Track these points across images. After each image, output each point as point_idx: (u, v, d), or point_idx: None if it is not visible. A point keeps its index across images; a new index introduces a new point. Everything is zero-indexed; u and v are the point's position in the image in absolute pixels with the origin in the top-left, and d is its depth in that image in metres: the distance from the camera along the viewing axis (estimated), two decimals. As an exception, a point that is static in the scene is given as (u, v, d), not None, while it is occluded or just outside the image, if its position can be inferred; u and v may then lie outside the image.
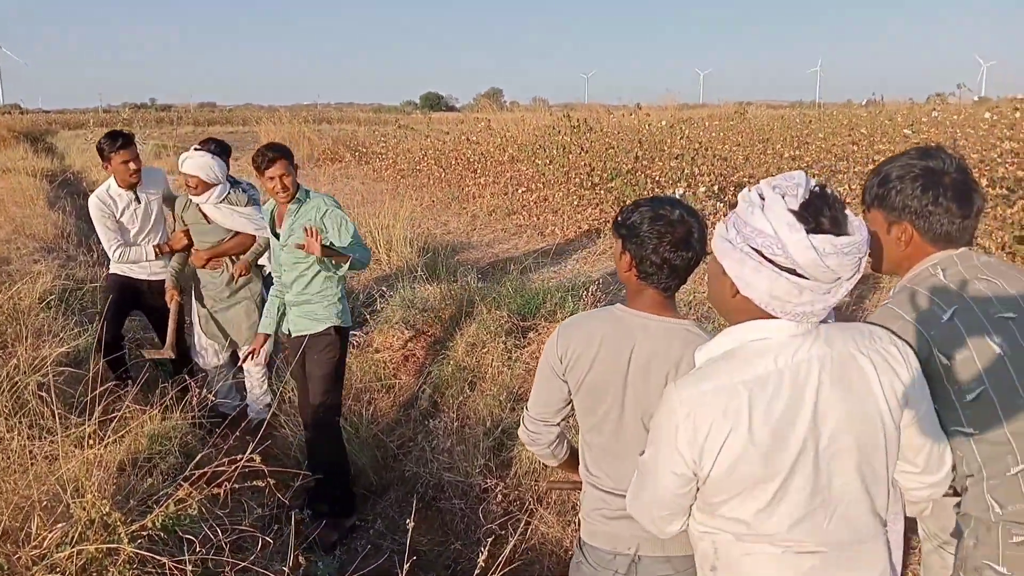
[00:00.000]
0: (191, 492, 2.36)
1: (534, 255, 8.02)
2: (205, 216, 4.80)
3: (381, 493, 4.22)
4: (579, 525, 2.22)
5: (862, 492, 1.54)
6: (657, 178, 9.25)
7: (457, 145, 14.58)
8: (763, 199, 1.48)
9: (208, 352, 5.14)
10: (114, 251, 4.90)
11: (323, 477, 3.94)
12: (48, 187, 12.98)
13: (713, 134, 10.91)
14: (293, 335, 4.04)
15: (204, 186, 4.66)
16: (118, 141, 4.78)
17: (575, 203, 9.74)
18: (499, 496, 3.73)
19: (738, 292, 1.54)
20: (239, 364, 4.82)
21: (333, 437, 4.03)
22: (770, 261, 1.46)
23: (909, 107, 11.98)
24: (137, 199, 4.95)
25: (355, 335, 5.67)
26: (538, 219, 9.87)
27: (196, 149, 4.75)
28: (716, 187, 8.08)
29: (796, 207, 1.44)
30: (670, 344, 1.98)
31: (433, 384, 4.89)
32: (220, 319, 5.01)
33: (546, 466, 3.62)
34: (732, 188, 8.54)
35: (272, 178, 3.80)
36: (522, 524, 3.53)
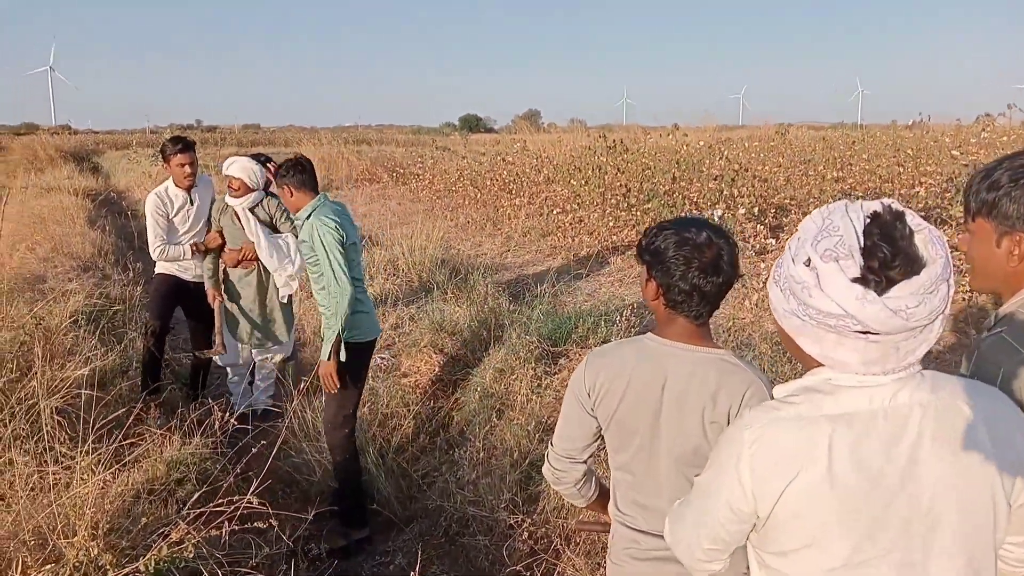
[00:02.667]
0: (188, 533, 2.22)
1: (568, 278, 7.85)
2: (240, 220, 5.03)
3: (405, 525, 4.05)
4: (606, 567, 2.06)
5: None
6: (695, 199, 9.04)
7: (493, 166, 14.51)
8: (814, 270, 1.24)
9: (232, 350, 5.28)
10: (156, 247, 5.17)
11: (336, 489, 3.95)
12: (90, 206, 13.15)
13: (753, 155, 10.66)
14: None
15: (245, 189, 4.95)
16: (178, 144, 5.16)
17: (611, 224, 9.56)
18: (525, 534, 3.54)
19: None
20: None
21: (340, 451, 3.95)
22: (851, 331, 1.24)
23: (956, 128, 11.60)
24: (191, 200, 5.25)
25: (383, 358, 5.54)
26: (573, 241, 9.70)
27: (240, 155, 5.06)
28: (756, 209, 7.83)
29: (859, 272, 1.20)
30: (705, 375, 1.82)
31: (460, 411, 4.73)
32: (251, 318, 5.20)
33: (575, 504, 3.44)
34: (772, 210, 8.30)
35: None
36: (546, 565, 3.35)
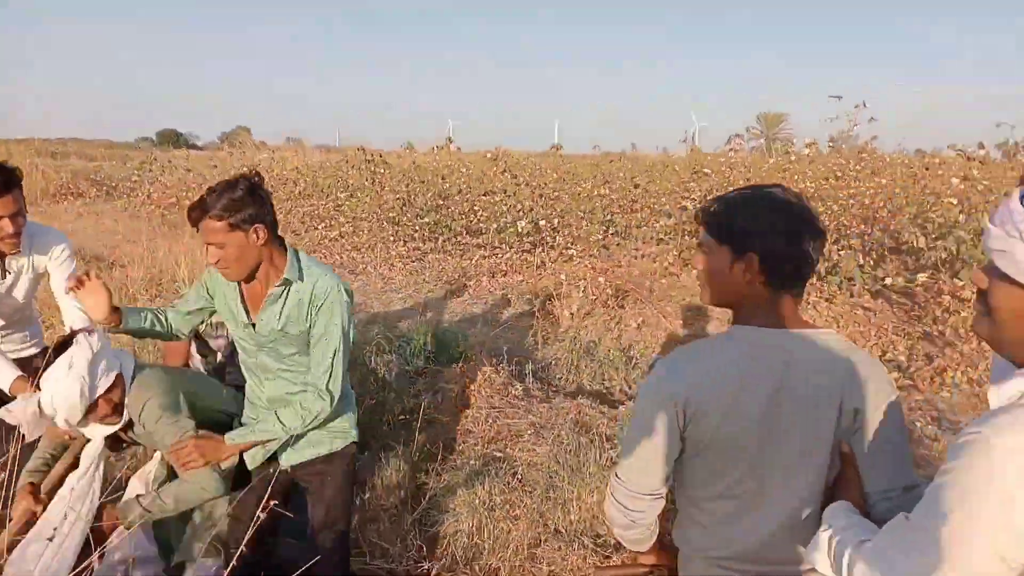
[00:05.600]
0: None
1: (357, 297, 7.25)
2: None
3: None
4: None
5: None
6: (479, 212, 8.91)
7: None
8: None
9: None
10: None
11: None
12: None
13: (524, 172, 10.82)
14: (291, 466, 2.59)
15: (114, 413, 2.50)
16: None
17: (389, 239, 9.09)
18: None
19: None
20: None
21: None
22: None
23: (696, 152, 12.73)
24: (4, 272, 2.99)
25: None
26: (340, 258, 9.09)
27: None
28: (554, 221, 7.85)
29: None
30: (835, 357, 1.54)
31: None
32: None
33: (506, 539, 2.95)
34: (556, 221, 8.38)
35: None
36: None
